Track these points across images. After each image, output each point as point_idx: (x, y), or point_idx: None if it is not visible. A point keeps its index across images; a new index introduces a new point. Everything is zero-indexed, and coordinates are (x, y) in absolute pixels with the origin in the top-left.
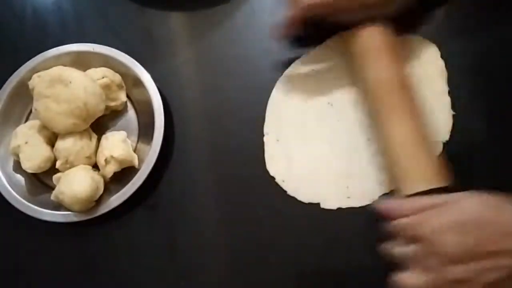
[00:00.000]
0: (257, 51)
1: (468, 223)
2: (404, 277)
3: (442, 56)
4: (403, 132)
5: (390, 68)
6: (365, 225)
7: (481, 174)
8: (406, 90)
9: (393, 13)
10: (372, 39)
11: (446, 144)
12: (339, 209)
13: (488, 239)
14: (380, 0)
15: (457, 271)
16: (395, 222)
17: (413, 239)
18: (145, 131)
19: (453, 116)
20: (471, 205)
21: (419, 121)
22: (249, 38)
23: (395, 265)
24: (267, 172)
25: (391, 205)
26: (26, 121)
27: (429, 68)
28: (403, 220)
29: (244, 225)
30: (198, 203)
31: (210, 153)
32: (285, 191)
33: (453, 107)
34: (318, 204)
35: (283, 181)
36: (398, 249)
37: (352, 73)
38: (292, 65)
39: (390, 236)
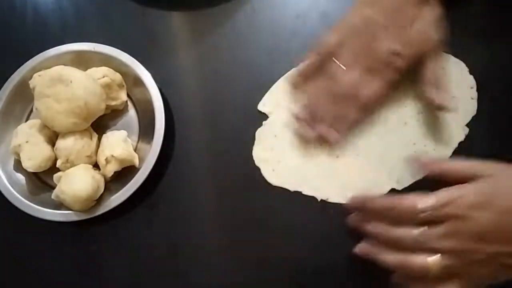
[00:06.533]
0: (258, 50)
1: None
2: (422, 260)
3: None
4: None
5: None
6: None
7: None
8: None
9: None
10: None
11: None
12: (339, 205)
13: None
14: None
15: (488, 249)
16: (420, 205)
17: (442, 218)
18: (145, 131)
19: None
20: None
21: None
22: (250, 37)
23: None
24: None
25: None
26: (26, 120)
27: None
28: (429, 201)
29: (244, 225)
30: (198, 203)
31: (210, 152)
32: (285, 190)
33: None
34: (318, 202)
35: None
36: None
37: None
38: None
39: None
